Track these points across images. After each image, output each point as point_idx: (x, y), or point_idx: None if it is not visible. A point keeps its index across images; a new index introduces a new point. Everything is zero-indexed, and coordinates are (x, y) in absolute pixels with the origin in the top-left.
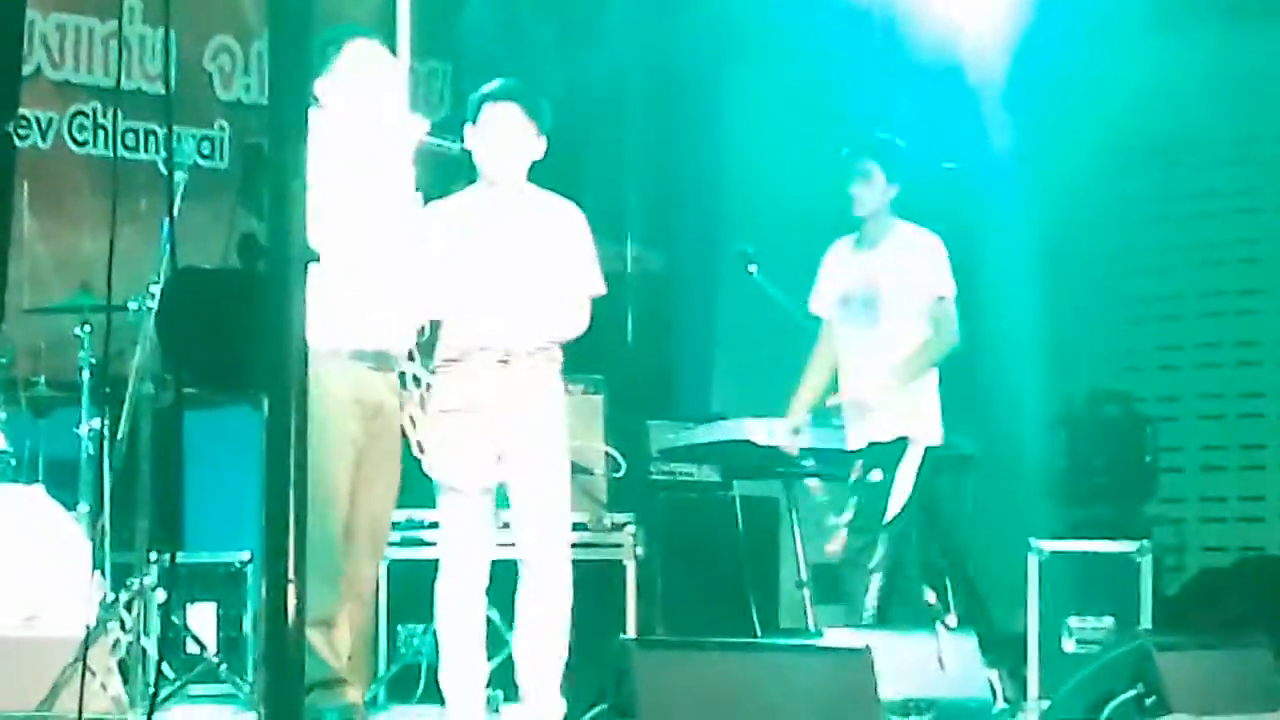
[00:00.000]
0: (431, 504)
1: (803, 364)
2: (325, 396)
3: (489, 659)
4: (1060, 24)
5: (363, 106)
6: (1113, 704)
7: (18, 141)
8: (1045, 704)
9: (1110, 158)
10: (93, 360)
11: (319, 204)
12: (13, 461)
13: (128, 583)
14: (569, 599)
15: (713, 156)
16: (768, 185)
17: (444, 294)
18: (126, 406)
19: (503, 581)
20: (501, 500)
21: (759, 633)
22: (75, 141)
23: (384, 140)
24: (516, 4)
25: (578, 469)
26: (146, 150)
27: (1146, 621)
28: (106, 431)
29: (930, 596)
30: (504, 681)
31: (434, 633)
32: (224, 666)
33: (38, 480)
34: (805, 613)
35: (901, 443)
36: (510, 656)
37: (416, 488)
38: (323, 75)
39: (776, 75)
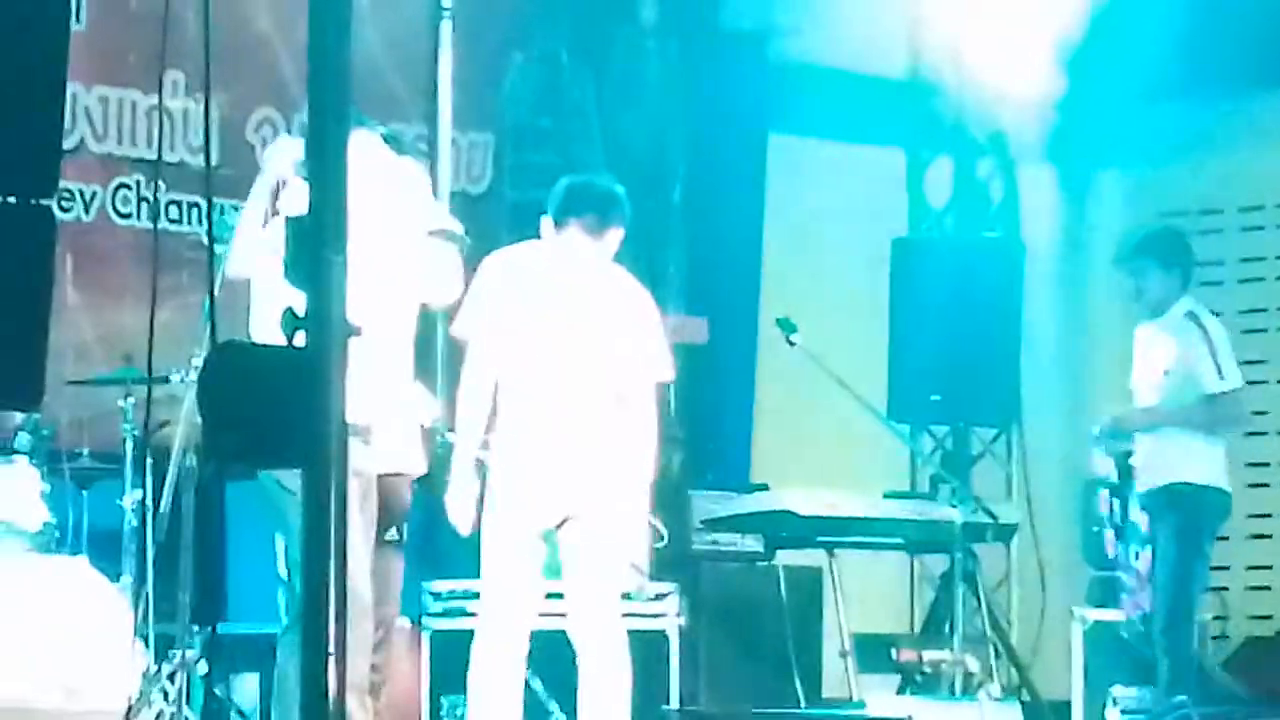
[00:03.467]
0: (474, 574)
1: (843, 432)
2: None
3: None
4: (1100, 88)
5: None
6: None
7: (61, 214)
8: None
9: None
10: (135, 432)
11: None
12: (57, 533)
13: (170, 654)
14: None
15: (754, 225)
16: (809, 254)
17: (506, 358)
18: (169, 478)
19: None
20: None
21: (802, 702)
22: (119, 214)
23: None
24: (555, 74)
25: None
26: (189, 222)
27: (1191, 690)
28: (149, 503)
29: (973, 665)
30: None
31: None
32: None
33: (81, 551)
34: (848, 682)
35: None
36: None
37: (465, 558)
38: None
39: (818, 140)
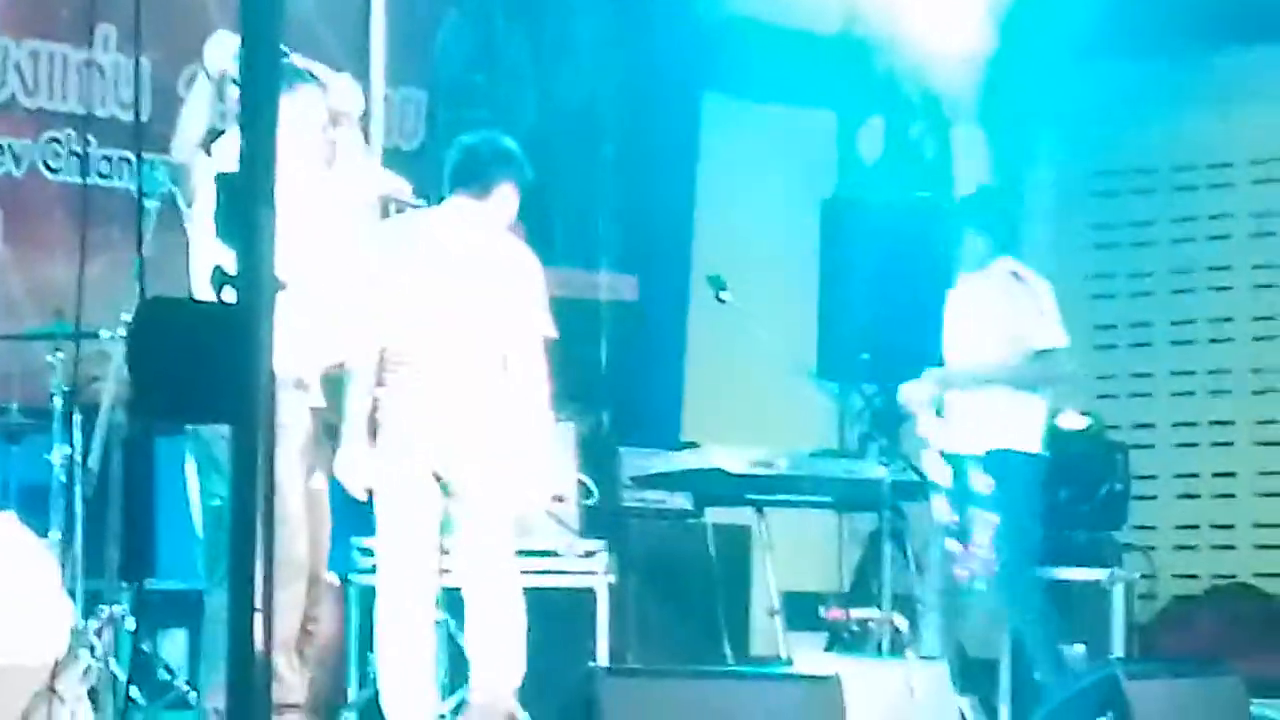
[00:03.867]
0: None
1: (773, 390)
2: (284, 425)
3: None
4: (1032, 48)
5: (298, 151)
6: None
7: None
8: None
9: (1082, 183)
10: (65, 387)
11: None
12: None
13: (98, 610)
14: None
15: (686, 183)
16: (740, 212)
17: (393, 315)
18: (98, 434)
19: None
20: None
21: (730, 660)
22: (49, 169)
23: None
24: (489, 31)
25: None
26: (120, 178)
27: (1118, 649)
28: (78, 458)
29: (901, 623)
30: None
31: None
32: (194, 693)
33: (9, 507)
34: (777, 640)
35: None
36: None
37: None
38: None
39: (751, 102)
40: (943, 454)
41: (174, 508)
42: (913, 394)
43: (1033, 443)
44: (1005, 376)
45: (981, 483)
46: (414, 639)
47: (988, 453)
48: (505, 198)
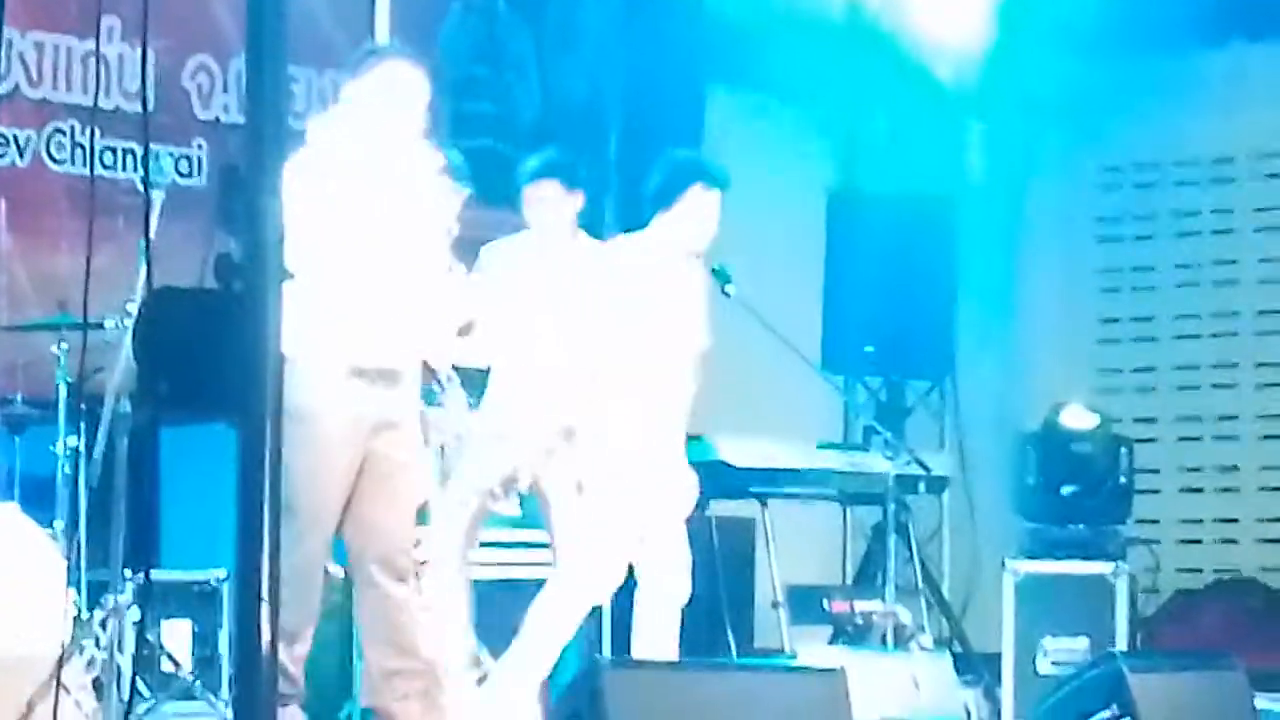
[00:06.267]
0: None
1: (777, 383)
2: (318, 414)
3: None
4: (1039, 39)
5: (380, 122)
6: None
7: None
8: None
9: (1088, 176)
10: (69, 378)
11: (321, 215)
12: None
13: (102, 600)
14: None
15: None
16: (745, 205)
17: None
18: (103, 424)
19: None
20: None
21: (734, 653)
22: (53, 159)
23: (398, 160)
24: (493, 23)
25: None
26: (124, 169)
27: (1121, 643)
28: (83, 449)
29: (905, 616)
30: None
31: None
32: (198, 684)
33: (13, 498)
34: (780, 633)
35: None
36: None
37: None
38: (354, 78)
39: (756, 94)
40: None
41: (178, 498)
42: None
43: None
44: None
45: None
46: None
47: None
48: (542, 198)
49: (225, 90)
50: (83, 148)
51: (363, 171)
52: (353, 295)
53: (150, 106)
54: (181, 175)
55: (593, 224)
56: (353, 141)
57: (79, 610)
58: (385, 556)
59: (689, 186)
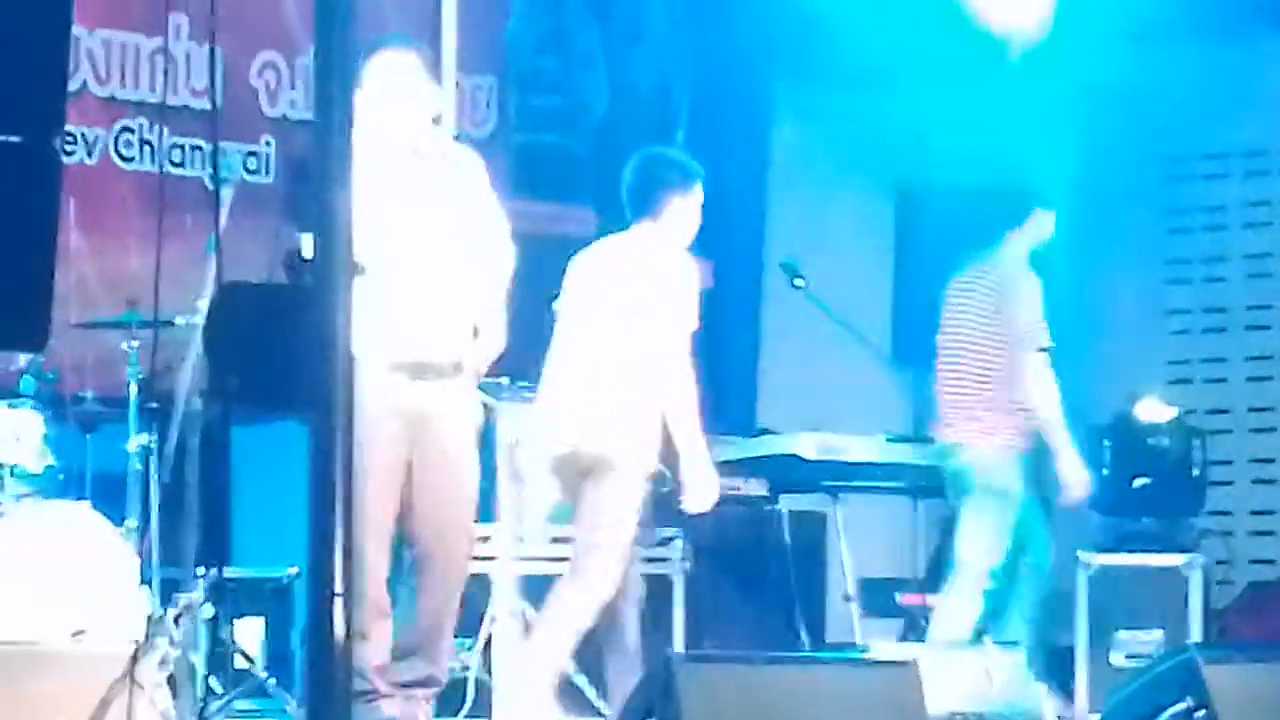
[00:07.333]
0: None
1: (847, 376)
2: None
3: None
4: (1100, 32)
5: (389, 117)
6: (1161, 718)
7: (64, 158)
8: (1094, 718)
9: (1157, 167)
10: (140, 376)
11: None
12: (61, 477)
13: (175, 598)
14: None
15: (758, 169)
16: (814, 198)
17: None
18: (174, 422)
19: None
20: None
21: (806, 646)
22: (122, 158)
23: (413, 150)
24: (560, 16)
25: None
26: (193, 166)
27: (1195, 635)
28: (154, 447)
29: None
30: None
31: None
32: (271, 681)
33: (85, 496)
34: (853, 627)
35: None
36: None
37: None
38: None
39: (824, 86)
40: None
41: (250, 495)
42: None
43: None
44: None
45: None
46: None
47: None
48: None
49: (293, 87)
50: (151, 146)
51: (382, 166)
52: (389, 290)
53: (218, 104)
54: (249, 172)
55: None
56: (364, 136)
57: (152, 608)
58: (444, 551)
59: (669, 196)
